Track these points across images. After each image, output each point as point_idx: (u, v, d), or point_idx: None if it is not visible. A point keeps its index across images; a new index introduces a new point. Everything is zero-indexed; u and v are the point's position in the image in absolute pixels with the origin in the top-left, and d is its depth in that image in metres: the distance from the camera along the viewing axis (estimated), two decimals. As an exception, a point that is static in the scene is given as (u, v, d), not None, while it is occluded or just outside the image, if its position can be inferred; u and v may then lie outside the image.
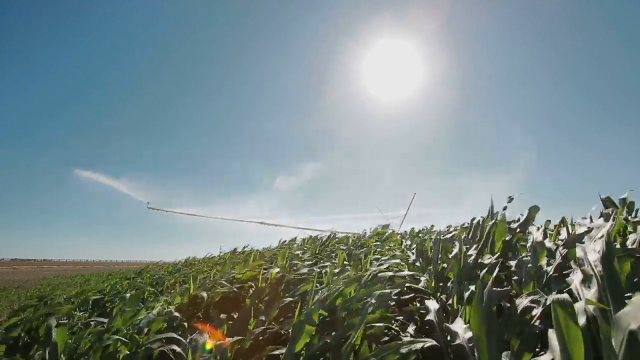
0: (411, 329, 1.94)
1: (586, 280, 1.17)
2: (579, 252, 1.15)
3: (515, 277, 1.95)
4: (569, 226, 2.24)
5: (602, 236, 1.09)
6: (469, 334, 1.22)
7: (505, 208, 2.97)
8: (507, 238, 2.11)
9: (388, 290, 1.65)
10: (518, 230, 2.24)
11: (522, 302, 1.18)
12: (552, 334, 0.80)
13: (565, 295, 0.78)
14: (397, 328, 1.95)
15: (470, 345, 1.19)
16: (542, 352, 1.05)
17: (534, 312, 1.17)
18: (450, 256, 2.21)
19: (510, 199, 2.98)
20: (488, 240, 2.12)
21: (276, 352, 1.68)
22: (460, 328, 1.30)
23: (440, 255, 2.47)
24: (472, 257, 2.03)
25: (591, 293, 0.91)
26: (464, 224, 4.33)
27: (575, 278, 1.13)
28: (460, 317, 1.50)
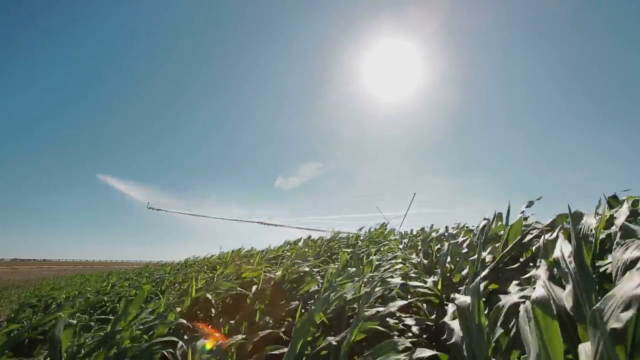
0: (415, 329, 1.94)
1: (554, 277, 1.16)
2: (556, 252, 1.13)
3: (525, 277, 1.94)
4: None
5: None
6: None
7: (523, 212, 2.93)
8: (525, 241, 2.09)
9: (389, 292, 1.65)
10: (536, 233, 2.21)
11: (510, 298, 1.18)
12: (527, 333, 0.77)
13: (544, 293, 0.76)
14: (402, 327, 1.95)
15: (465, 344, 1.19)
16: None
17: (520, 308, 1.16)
18: (466, 259, 2.21)
19: (531, 203, 2.95)
20: (506, 244, 2.11)
21: (277, 352, 1.68)
22: (456, 326, 1.31)
23: (449, 259, 2.47)
24: (488, 261, 2.03)
25: (566, 291, 0.90)
26: (464, 225, 4.32)
27: (541, 274, 1.12)
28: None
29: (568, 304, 0.86)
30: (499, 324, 1.11)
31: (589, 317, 0.64)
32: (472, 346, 1.07)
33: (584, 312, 0.80)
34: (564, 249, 1.08)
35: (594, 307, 0.64)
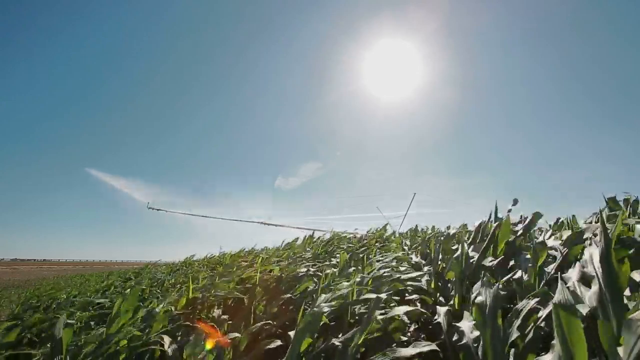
0: (413, 328, 1.94)
1: (583, 279, 1.16)
2: (586, 254, 1.13)
3: (517, 277, 1.94)
4: (571, 226, 2.24)
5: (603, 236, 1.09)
6: (475, 334, 1.22)
7: (510, 211, 2.95)
8: (510, 239, 2.11)
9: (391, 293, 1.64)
10: (521, 232, 2.23)
11: (529, 303, 1.17)
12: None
13: (568, 296, 0.76)
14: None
15: (476, 345, 1.19)
16: (544, 353, 1.04)
17: (540, 314, 1.16)
18: (452, 257, 2.21)
19: (515, 202, 2.97)
20: (491, 242, 2.12)
21: (273, 346, 1.66)
22: (467, 328, 1.30)
23: (440, 256, 2.47)
24: (474, 259, 2.03)
25: (591, 292, 0.90)
26: (464, 225, 4.33)
27: (572, 276, 1.11)
28: (468, 317, 1.50)
29: (591, 303, 0.86)
30: (515, 327, 1.11)
31: (625, 322, 0.65)
32: (487, 347, 1.07)
33: (607, 312, 0.79)
34: (592, 251, 1.09)
35: (634, 315, 0.65)
